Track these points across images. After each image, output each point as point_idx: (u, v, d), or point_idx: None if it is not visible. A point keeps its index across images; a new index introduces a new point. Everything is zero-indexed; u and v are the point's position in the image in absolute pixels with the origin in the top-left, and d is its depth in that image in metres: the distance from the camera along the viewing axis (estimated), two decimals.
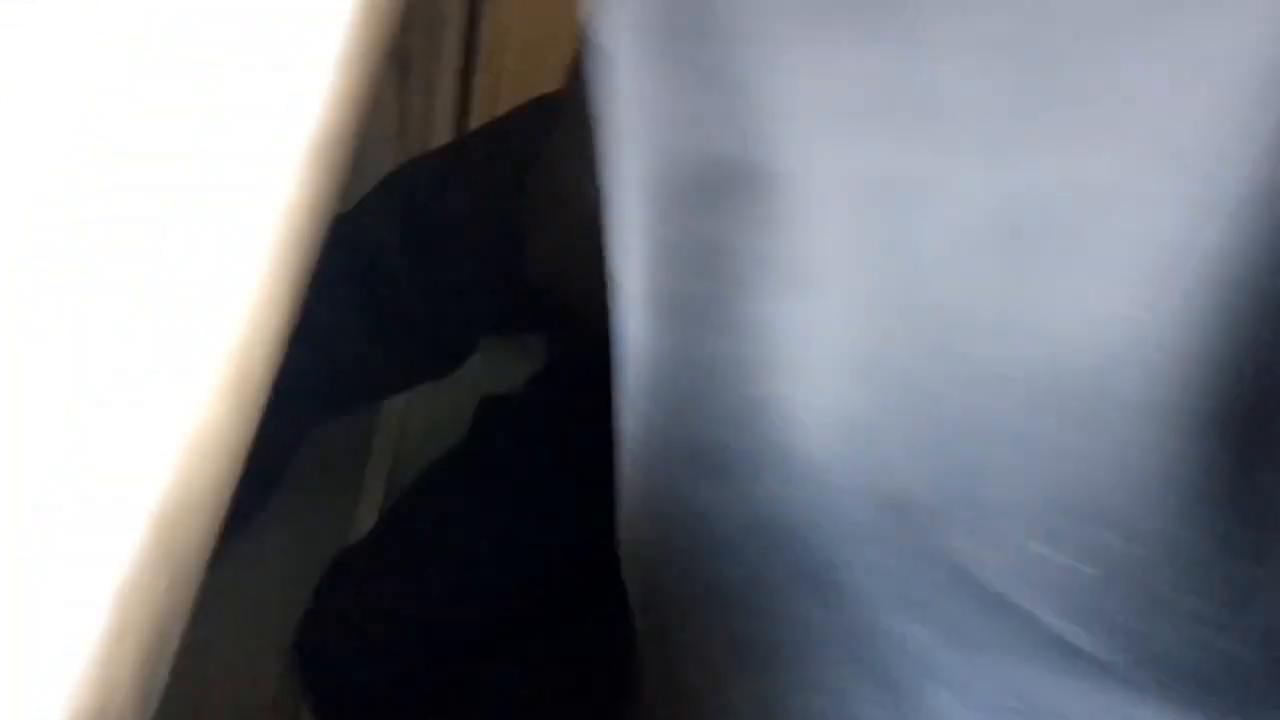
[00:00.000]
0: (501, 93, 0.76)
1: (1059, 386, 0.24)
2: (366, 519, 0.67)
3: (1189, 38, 0.21)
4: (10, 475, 0.18)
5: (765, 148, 0.26)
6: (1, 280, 0.20)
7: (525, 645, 0.64)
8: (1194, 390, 0.22)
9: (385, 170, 0.63)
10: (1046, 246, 0.23)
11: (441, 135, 0.71)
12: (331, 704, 0.60)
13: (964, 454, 0.27)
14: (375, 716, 0.62)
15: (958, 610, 0.31)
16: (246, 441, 0.21)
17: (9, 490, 0.18)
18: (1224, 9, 0.21)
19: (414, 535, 0.67)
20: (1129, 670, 0.28)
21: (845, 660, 0.33)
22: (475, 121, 0.75)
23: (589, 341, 0.62)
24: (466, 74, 0.74)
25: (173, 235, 0.21)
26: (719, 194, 0.27)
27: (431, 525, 0.68)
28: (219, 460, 0.20)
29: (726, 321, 0.29)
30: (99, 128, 0.23)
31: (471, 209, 0.62)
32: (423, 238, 0.62)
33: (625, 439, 0.35)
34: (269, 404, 0.22)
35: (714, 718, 0.35)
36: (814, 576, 0.32)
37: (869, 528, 0.30)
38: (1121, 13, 0.22)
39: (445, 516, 0.68)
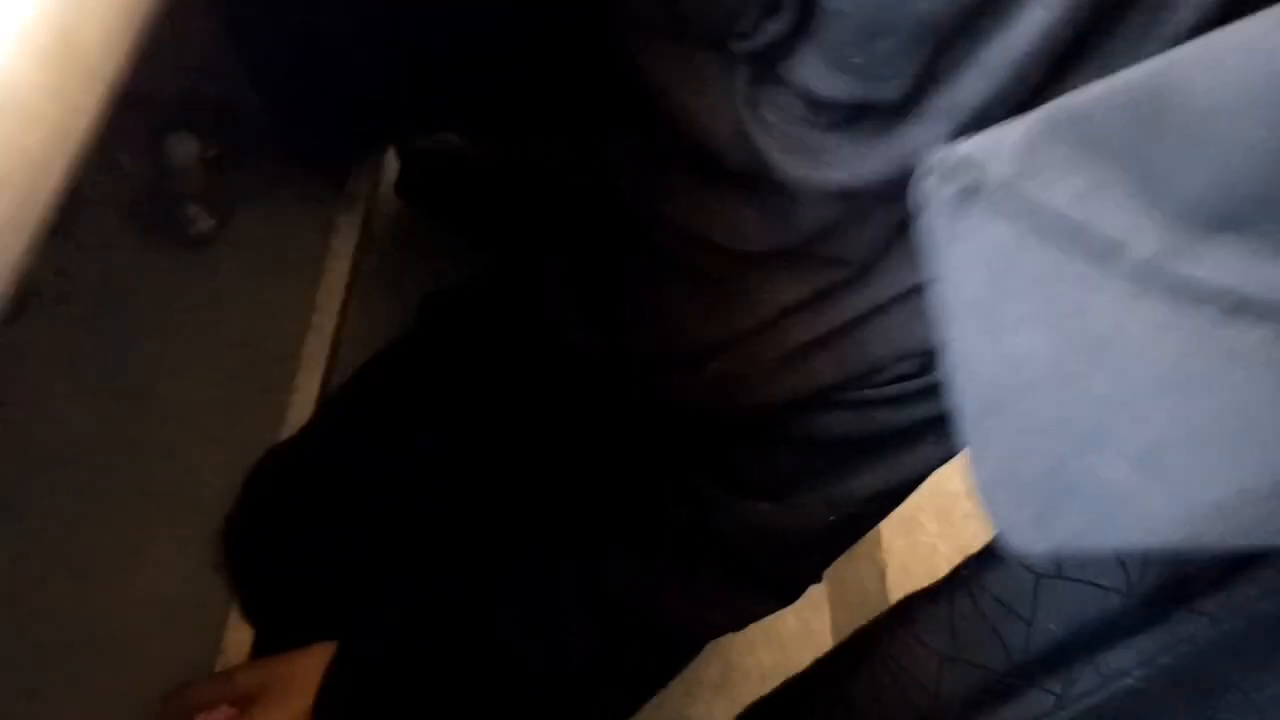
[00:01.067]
0: None
1: None
2: (299, 415, 0.64)
3: None
4: None
5: None
6: None
7: (448, 552, 0.63)
8: None
9: None
10: None
11: None
12: (260, 598, 0.58)
13: None
14: (303, 612, 0.60)
15: None
16: (77, 133, 0.19)
17: None
18: None
19: (346, 435, 0.65)
20: None
21: None
22: None
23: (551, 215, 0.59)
24: None
25: None
26: None
27: (364, 426, 0.66)
28: (33, 135, 0.18)
29: None
30: None
31: None
32: None
33: None
34: None
35: None
36: None
37: None
38: None
39: (378, 419, 0.66)
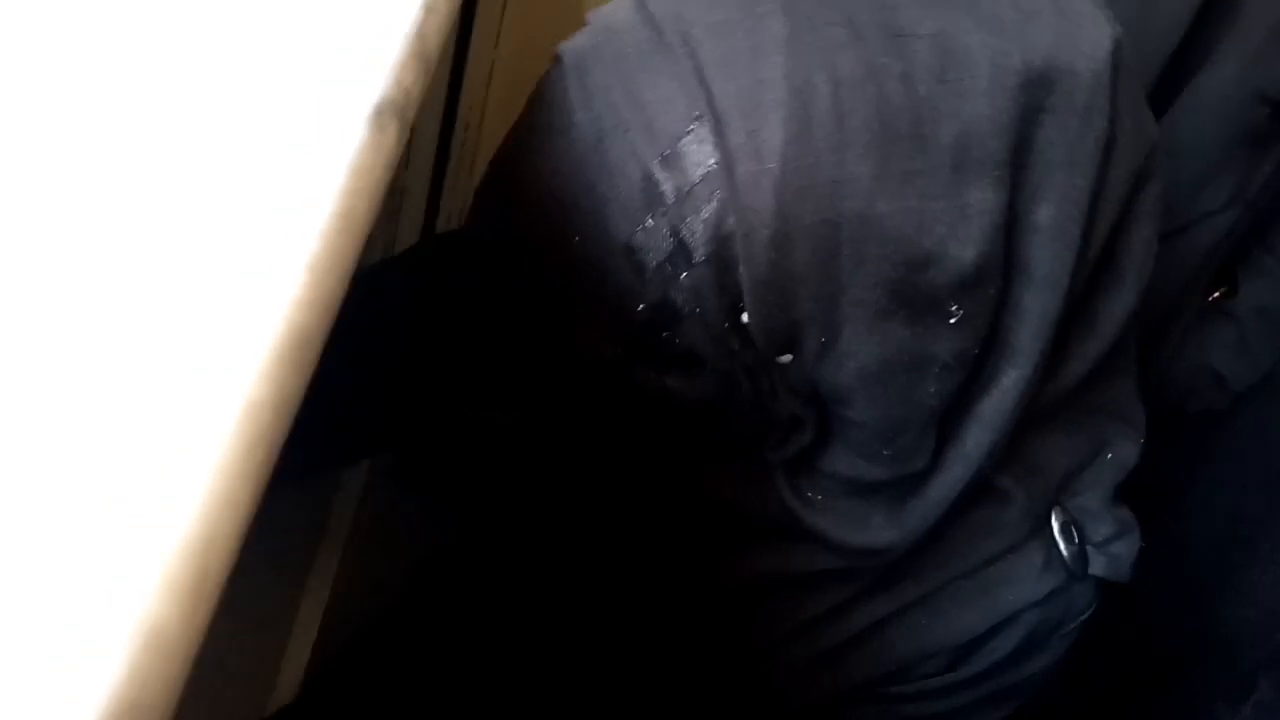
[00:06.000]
0: None
1: None
2: (289, 684, 0.64)
3: None
4: None
5: None
6: None
7: None
8: None
9: None
10: None
11: None
12: None
13: None
14: None
15: None
16: (198, 641, 0.21)
17: None
18: None
19: (338, 708, 0.63)
20: None
21: None
22: None
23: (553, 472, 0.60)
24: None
25: (128, 425, 0.21)
26: None
27: (358, 699, 0.64)
28: (171, 660, 0.20)
29: None
30: None
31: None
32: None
33: None
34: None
35: None
36: None
37: None
38: None
39: (373, 690, 0.65)
